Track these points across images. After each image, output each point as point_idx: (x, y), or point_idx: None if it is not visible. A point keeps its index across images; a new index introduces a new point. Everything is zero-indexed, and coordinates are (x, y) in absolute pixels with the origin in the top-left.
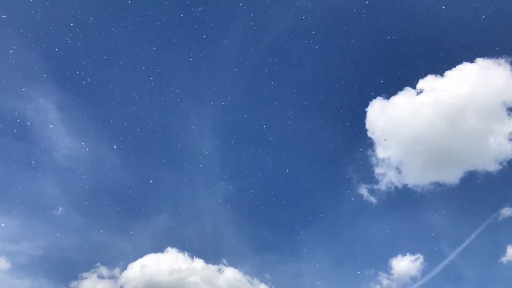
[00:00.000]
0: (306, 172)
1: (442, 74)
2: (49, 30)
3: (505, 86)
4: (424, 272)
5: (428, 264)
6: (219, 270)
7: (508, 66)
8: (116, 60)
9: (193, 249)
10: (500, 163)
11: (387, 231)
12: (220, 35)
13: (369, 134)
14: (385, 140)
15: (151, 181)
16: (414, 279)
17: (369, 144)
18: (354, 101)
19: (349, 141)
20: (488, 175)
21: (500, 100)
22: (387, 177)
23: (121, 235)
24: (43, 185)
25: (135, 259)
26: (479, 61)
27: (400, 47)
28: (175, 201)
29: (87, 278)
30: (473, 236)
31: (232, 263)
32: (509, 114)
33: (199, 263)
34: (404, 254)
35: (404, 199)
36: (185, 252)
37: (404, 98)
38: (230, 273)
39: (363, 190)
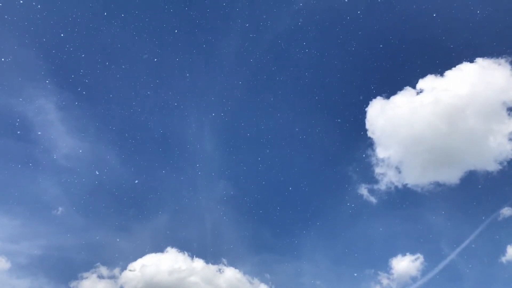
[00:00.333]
0: (306, 171)
1: (442, 74)
2: (49, 30)
3: (505, 86)
4: (424, 272)
5: (428, 264)
6: (219, 270)
7: (508, 66)
8: (116, 60)
9: (193, 249)
10: (500, 163)
11: (387, 231)
12: (220, 35)
13: (369, 134)
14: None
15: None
16: (414, 279)
17: (369, 144)
18: (354, 101)
19: (349, 141)
20: (488, 175)
21: (500, 100)
22: (387, 177)
23: (121, 235)
24: (43, 185)
25: (135, 259)
26: (479, 61)
27: (400, 47)
28: (175, 201)
29: (87, 278)
30: (473, 236)
31: (232, 263)
32: (509, 114)
33: (199, 263)
34: (404, 254)
35: (404, 199)
36: (185, 252)
37: (404, 98)
38: (230, 273)
39: (363, 190)
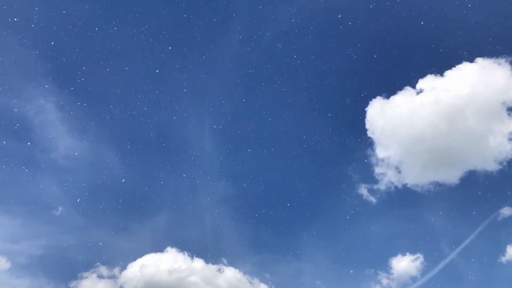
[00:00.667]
0: (306, 171)
1: (442, 74)
2: (49, 30)
3: (505, 86)
4: (424, 271)
5: (428, 263)
6: (219, 270)
7: (508, 66)
8: (116, 60)
9: (193, 249)
10: (500, 163)
11: (387, 231)
12: (220, 35)
13: (369, 134)
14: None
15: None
16: (414, 279)
17: (369, 143)
18: (354, 101)
19: (349, 141)
20: (488, 175)
21: (500, 100)
22: (387, 177)
23: (121, 235)
24: (43, 185)
25: (134, 259)
26: (479, 60)
27: (400, 46)
28: (175, 201)
29: (86, 277)
30: (473, 235)
31: (232, 263)
32: (509, 114)
33: (199, 263)
34: (404, 254)
35: (404, 199)
36: (185, 252)
37: (404, 98)
38: (230, 273)
39: (363, 190)
